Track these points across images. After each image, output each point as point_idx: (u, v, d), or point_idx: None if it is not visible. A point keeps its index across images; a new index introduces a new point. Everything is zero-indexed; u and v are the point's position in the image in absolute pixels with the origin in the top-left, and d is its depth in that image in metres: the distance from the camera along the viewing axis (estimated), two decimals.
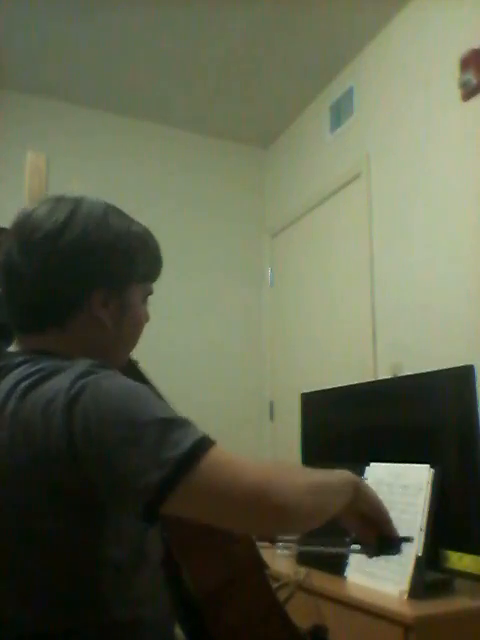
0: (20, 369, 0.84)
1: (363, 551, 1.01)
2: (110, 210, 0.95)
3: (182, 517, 0.77)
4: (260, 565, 0.97)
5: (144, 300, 1.00)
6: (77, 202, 0.92)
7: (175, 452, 0.71)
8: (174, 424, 0.74)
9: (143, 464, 0.71)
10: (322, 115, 3.11)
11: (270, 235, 3.54)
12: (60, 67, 2.94)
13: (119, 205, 1.01)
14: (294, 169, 3.37)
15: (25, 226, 0.91)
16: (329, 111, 3.05)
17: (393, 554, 0.97)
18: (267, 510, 0.73)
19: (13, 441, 0.78)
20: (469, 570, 1.45)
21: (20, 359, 0.87)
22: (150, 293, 1.01)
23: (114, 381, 0.79)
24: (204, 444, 0.73)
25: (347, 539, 1.12)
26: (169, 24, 2.65)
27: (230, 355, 3.35)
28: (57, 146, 3.05)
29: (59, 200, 0.93)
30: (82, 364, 0.81)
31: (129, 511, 0.76)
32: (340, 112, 2.96)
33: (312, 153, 3.19)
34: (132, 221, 0.98)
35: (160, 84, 3.08)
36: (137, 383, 0.80)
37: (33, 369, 0.82)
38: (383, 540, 0.95)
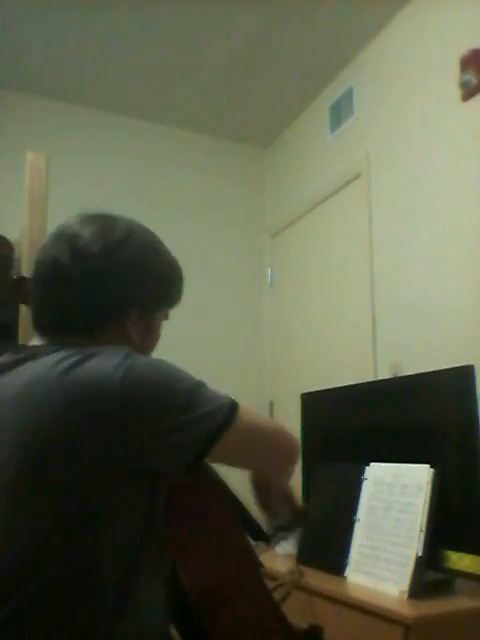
0: (55, 354, 0.86)
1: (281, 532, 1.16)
2: (158, 240, 1.02)
3: (181, 511, 0.88)
4: (255, 564, 0.98)
5: (160, 324, 1.06)
6: (132, 224, 0.99)
7: (216, 405, 0.85)
8: (204, 386, 0.88)
9: (194, 420, 0.83)
10: (322, 115, 3.11)
11: (270, 235, 3.54)
12: (60, 67, 2.94)
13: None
14: (294, 169, 3.37)
15: (79, 236, 0.94)
16: (329, 111, 3.05)
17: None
18: (285, 447, 0.97)
19: (57, 411, 0.80)
20: (469, 570, 1.45)
21: (52, 348, 0.89)
22: (166, 318, 1.08)
23: (151, 359, 0.90)
24: (234, 400, 0.89)
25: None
26: (169, 24, 2.65)
27: (230, 355, 3.35)
28: (57, 146, 3.05)
29: (114, 219, 0.99)
30: (123, 347, 0.88)
31: (175, 464, 0.86)
32: (340, 112, 2.96)
33: (312, 153, 3.19)
34: (170, 253, 1.05)
35: (160, 84, 3.08)
36: (159, 359, 0.90)
37: (70, 352, 0.86)
38: (299, 514, 1.13)
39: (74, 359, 0.84)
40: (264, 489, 1.09)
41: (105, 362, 0.83)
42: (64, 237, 0.95)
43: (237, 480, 1.05)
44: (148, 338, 1.01)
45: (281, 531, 1.15)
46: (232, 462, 0.93)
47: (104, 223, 0.96)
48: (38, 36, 2.72)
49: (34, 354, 0.89)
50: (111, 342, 0.93)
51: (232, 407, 0.87)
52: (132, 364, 0.83)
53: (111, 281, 0.93)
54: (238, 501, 1.02)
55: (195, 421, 0.83)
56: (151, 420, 0.82)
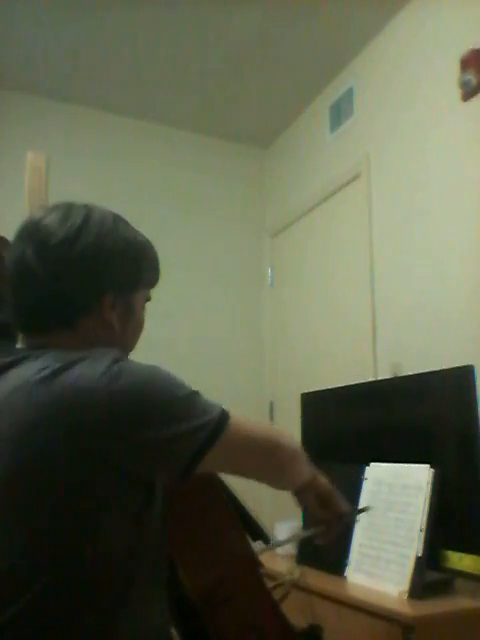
0: (39, 360, 0.86)
1: (321, 532, 1.11)
2: (118, 219, 1.00)
3: (179, 512, 0.90)
4: (255, 564, 0.98)
5: (143, 306, 1.05)
6: (89, 209, 0.97)
7: (208, 417, 0.85)
8: (197, 396, 0.87)
9: (183, 432, 0.83)
10: (322, 115, 3.11)
11: (270, 235, 3.54)
12: (60, 67, 2.94)
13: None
14: (294, 169, 3.37)
15: (39, 230, 0.94)
16: (329, 111, 3.05)
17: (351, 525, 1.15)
18: (280, 457, 0.96)
19: (41, 420, 0.80)
20: (469, 570, 1.46)
21: (35, 352, 0.89)
22: (148, 299, 1.06)
23: (143, 366, 0.87)
24: (226, 411, 0.89)
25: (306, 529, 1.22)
26: (169, 24, 2.65)
27: (230, 355, 3.34)
28: (57, 146, 3.05)
29: (70, 207, 0.97)
30: (110, 351, 0.87)
31: (166, 473, 0.88)
32: (340, 112, 2.96)
33: (312, 153, 3.19)
34: (136, 231, 1.03)
35: (160, 84, 3.08)
36: (154, 365, 0.89)
37: (54, 357, 0.85)
38: (341, 517, 1.08)
39: (57, 365, 0.83)
40: (297, 495, 1.07)
41: (91, 368, 0.82)
42: (26, 233, 0.95)
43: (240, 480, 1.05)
44: (130, 324, 1.00)
45: (317, 536, 1.11)
46: (225, 471, 0.95)
47: (64, 212, 0.96)
48: (38, 36, 2.72)
49: (18, 360, 0.89)
50: (91, 332, 0.93)
51: (223, 417, 0.87)
52: (119, 370, 0.82)
53: (76, 269, 0.92)
54: (238, 501, 1.03)
55: (190, 432, 0.83)
56: (144, 428, 0.81)
